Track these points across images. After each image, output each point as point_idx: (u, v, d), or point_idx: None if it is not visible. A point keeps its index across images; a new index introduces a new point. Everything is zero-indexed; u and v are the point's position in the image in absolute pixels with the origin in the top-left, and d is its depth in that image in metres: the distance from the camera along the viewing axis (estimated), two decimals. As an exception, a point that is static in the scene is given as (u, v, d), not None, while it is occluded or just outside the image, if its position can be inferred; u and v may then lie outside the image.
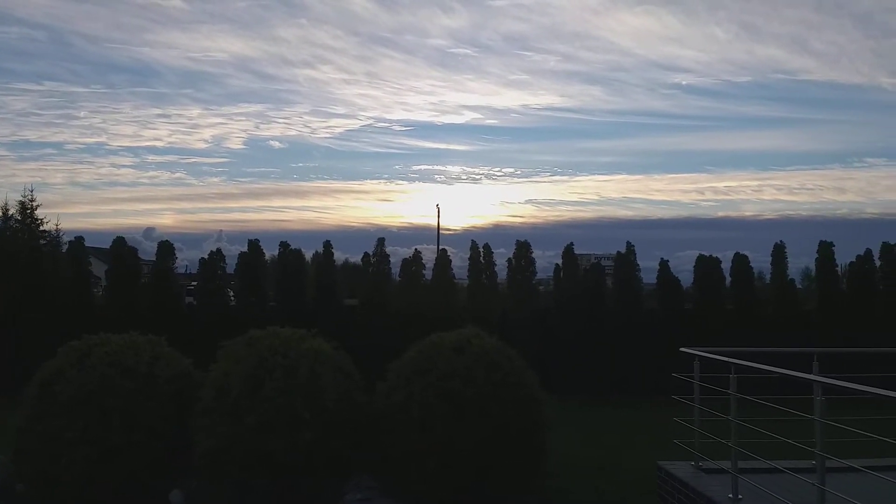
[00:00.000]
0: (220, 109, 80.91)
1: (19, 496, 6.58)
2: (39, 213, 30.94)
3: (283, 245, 15.02)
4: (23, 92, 72.36)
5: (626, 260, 15.35)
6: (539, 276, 16.29)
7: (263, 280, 14.98)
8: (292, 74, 77.86)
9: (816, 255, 15.09)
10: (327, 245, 15.30)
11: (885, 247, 14.87)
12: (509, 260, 15.69)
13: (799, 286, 16.60)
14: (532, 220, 72.18)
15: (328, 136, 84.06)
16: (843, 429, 4.19)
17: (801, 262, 18.18)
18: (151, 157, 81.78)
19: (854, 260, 15.01)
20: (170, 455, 6.53)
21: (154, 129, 78.22)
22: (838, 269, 15.11)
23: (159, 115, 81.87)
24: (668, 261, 15.36)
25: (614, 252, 15.81)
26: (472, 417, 6.23)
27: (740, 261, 15.08)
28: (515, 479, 6.51)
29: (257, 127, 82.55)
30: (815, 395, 4.13)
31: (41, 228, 30.13)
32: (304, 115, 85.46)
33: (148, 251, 16.24)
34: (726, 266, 15.10)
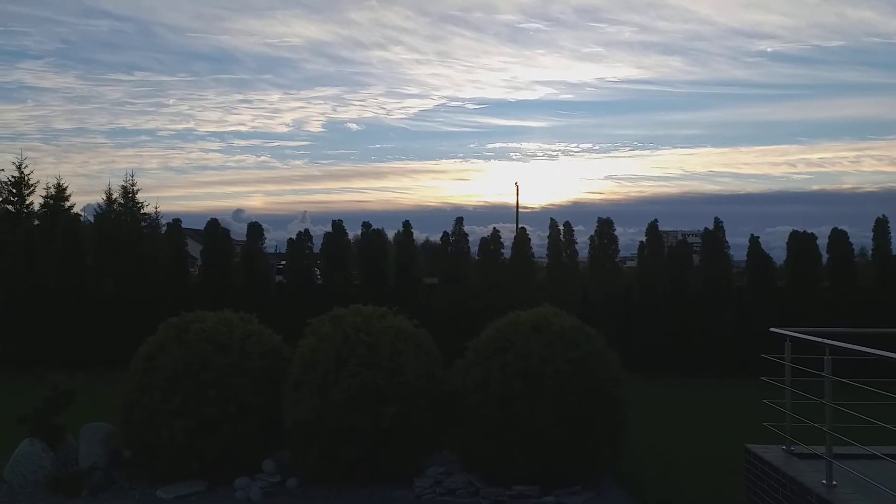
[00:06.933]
0: (299, 93, 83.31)
1: (127, 463, 7.09)
2: (140, 196, 32.76)
3: (366, 225, 15.35)
4: (116, 82, 76.85)
5: (714, 236, 14.82)
6: (621, 254, 15.99)
7: (347, 259, 15.37)
8: (366, 57, 78.97)
9: (925, 230, 14.09)
10: (407, 225, 15.53)
11: None
12: (591, 238, 15.44)
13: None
14: (612, 197, 70.66)
15: (403, 116, 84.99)
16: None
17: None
18: (237, 142, 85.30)
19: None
20: (262, 427, 6.85)
21: (238, 114, 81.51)
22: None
23: (242, 101, 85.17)
24: (758, 237, 14.74)
25: (701, 228, 15.30)
26: (550, 395, 6.23)
27: (838, 237, 14.26)
28: (592, 458, 6.48)
29: (335, 110, 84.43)
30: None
31: (142, 211, 32.05)
32: (379, 96, 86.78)
33: (238, 232, 17.00)
34: (822, 242, 14.34)
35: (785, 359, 5.74)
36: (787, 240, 14.59)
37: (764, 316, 12.97)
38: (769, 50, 71.86)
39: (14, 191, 28.26)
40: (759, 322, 12.42)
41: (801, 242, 14.38)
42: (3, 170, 28.19)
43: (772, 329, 5.93)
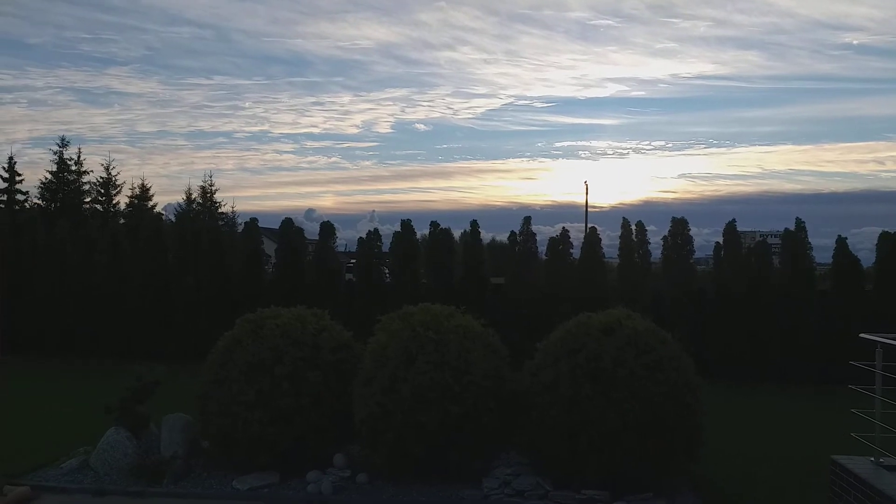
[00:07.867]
0: (369, 95, 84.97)
1: (204, 452, 7.35)
2: (217, 196, 33.98)
3: (433, 224, 15.43)
4: (195, 86, 79.92)
5: (796, 237, 14.18)
6: (696, 255, 15.49)
7: (416, 258, 15.49)
8: (434, 57, 79.75)
9: None
10: (474, 224, 15.51)
11: None
12: (664, 238, 15.01)
13: None
14: (686, 196, 68.73)
15: (470, 116, 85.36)
16: None
17: None
18: (309, 143, 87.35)
19: None
20: (332, 420, 6.97)
21: (310, 116, 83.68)
22: None
23: (314, 103, 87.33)
24: (845, 238, 14.02)
25: (781, 229, 14.67)
26: (621, 399, 6.09)
27: (934, 238, 13.41)
28: (666, 464, 6.29)
29: (403, 111, 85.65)
30: None
31: (219, 211, 33.23)
32: (447, 97, 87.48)
33: (309, 231, 17.35)
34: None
35: (875, 366, 5.44)
36: (875, 241, 13.84)
37: (851, 321, 12.35)
38: (855, 42, 68.36)
39: (102, 191, 29.93)
40: (846, 327, 11.85)
41: (891, 244, 13.59)
42: (92, 171, 29.90)
43: (862, 335, 5.63)
